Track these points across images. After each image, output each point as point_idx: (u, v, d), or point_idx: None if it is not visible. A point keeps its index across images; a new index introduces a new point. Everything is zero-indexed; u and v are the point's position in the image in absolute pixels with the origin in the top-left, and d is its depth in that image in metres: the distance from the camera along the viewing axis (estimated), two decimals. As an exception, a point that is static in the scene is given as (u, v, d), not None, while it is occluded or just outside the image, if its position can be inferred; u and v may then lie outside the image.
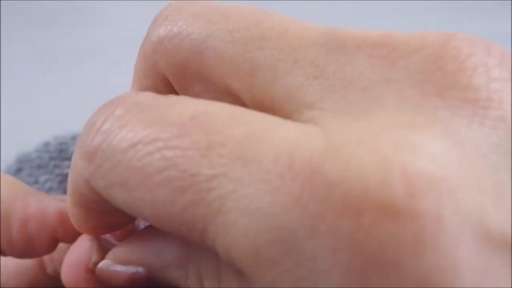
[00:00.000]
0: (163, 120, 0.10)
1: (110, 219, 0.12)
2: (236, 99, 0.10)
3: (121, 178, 0.10)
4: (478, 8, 0.60)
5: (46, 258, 0.16)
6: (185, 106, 0.10)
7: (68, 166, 0.26)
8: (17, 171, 0.27)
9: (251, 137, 0.09)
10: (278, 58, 0.10)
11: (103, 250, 0.13)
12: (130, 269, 0.12)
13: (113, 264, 0.13)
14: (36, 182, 0.26)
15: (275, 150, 0.08)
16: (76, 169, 0.11)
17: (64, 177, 0.26)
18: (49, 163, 0.26)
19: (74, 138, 0.26)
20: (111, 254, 0.13)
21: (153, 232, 0.12)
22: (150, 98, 0.10)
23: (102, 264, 0.13)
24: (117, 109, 0.10)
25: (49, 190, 0.26)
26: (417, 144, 0.08)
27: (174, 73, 0.11)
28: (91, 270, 0.13)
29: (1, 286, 0.18)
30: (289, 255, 0.08)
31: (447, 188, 0.08)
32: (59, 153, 0.26)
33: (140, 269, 0.12)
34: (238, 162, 0.08)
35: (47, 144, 0.27)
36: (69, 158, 0.26)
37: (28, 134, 0.28)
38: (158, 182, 0.09)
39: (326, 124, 0.09)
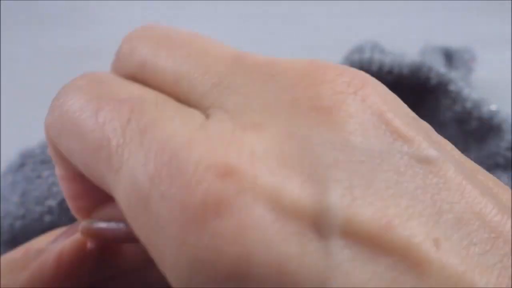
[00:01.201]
0: (109, 93, 0.13)
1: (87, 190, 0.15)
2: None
3: (66, 129, 0.13)
4: (478, 8, 0.60)
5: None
6: (128, 88, 0.13)
7: None
8: (20, 166, 0.27)
9: (155, 121, 0.11)
10: (194, 71, 0.13)
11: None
12: (112, 225, 0.15)
13: (96, 222, 0.16)
14: (39, 176, 0.27)
15: (159, 136, 0.11)
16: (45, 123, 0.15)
17: None
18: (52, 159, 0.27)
19: None
20: (96, 214, 0.16)
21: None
22: (109, 77, 0.15)
23: (85, 222, 0.16)
24: (81, 80, 0.15)
25: (51, 185, 0.26)
26: (245, 141, 0.10)
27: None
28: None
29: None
30: (145, 210, 0.10)
31: (251, 174, 0.10)
32: None
33: (121, 225, 0.15)
34: (138, 140, 0.11)
35: None
36: None
37: (28, 134, 0.27)
38: (88, 138, 0.12)
39: (211, 119, 0.12)
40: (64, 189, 0.16)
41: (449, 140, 0.32)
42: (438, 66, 0.29)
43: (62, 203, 0.25)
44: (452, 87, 0.28)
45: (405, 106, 0.12)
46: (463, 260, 0.10)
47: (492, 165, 0.28)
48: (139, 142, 0.11)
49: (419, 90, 0.30)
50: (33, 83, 0.49)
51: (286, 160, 0.10)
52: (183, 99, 0.13)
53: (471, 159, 0.31)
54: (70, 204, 0.16)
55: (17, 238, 0.26)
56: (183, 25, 0.56)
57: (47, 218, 0.25)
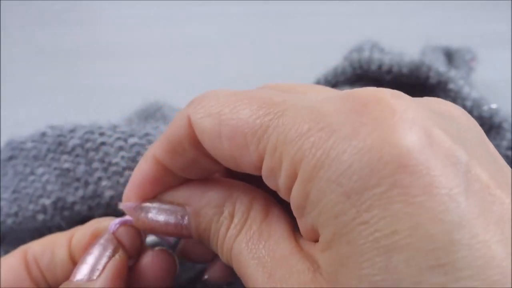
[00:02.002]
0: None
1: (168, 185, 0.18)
2: None
3: (213, 108, 0.16)
4: (478, 8, 0.60)
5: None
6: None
7: (67, 161, 0.25)
8: (9, 158, 0.26)
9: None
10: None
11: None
12: (173, 208, 0.17)
13: (156, 203, 0.18)
14: (32, 173, 0.25)
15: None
16: (181, 112, 0.17)
17: (63, 171, 0.25)
18: (46, 155, 0.25)
19: (73, 131, 0.25)
20: (158, 197, 0.18)
21: (195, 182, 0.17)
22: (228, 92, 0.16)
23: (145, 204, 0.18)
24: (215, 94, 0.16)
25: (46, 184, 0.25)
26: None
27: None
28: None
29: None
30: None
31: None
32: (57, 146, 0.25)
33: (179, 209, 0.17)
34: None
35: (43, 135, 0.26)
36: (68, 153, 0.25)
37: (28, 134, 0.27)
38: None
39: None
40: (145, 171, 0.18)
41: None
42: (439, 65, 0.29)
43: (56, 203, 0.25)
44: (451, 86, 0.28)
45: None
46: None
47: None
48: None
49: (419, 89, 0.30)
50: (33, 83, 0.49)
51: (432, 119, 0.13)
52: None
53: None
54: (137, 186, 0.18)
55: (6, 235, 0.26)
56: (183, 25, 0.57)
57: (40, 217, 0.25)
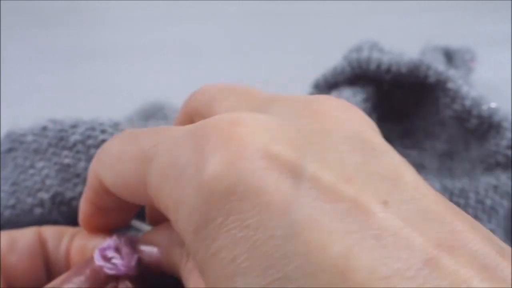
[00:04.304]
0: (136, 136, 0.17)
1: (110, 218, 0.20)
2: None
3: (107, 163, 0.17)
4: (478, 8, 0.60)
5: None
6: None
7: (68, 156, 0.25)
8: (9, 150, 0.26)
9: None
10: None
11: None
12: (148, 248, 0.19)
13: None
14: (32, 166, 0.25)
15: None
16: (91, 167, 0.19)
17: (63, 166, 0.25)
18: (47, 150, 0.25)
19: (74, 126, 0.26)
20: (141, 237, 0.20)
21: (166, 224, 0.19)
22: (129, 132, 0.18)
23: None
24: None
25: (45, 178, 0.25)
26: (263, 117, 0.15)
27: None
28: None
29: None
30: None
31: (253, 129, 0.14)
32: (58, 141, 0.25)
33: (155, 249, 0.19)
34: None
35: (44, 129, 0.26)
36: (69, 148, 0.25)
37: (28, 127, 0.27)
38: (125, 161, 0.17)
39: None
40: (85, 208, 0.20)
41: (449, 138, 0.32)
42: (438, 64, 0.29)
43: (55, 197, 0.25)
44: (450, 85, 0.28)
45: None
46: (405, 221, 0.12)
47: (492, 164, 0.27)
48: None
49: (418, 88, 0.30)
50: (33, 83, 0.49)
51: (277, 133, 0.14)
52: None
53: (472, 157, 0.31)
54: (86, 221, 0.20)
55: (4, 228, 0.26)
56: (183, 25, 0.57)
57: (38, 211, 0.25)
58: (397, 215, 0.12)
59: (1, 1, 0.60)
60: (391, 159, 0.14)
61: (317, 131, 0.14)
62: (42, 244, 0.21)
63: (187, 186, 0.13)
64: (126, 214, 0.21)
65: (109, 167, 0.17)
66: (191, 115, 0.19)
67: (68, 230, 0.22)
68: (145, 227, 0.24)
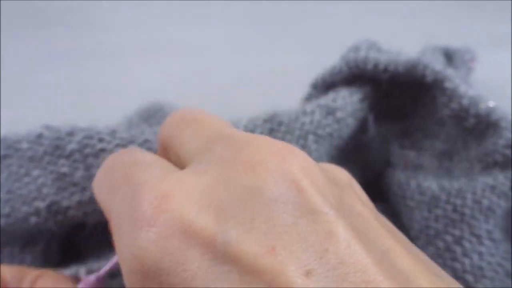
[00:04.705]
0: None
1: None
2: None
3: (96, 188, 0.18)
4: (478, 8, 0.60)
5: None
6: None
7: (64, 165, 0.25)
8: (3, 157, 0.25)
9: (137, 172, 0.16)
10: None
11: None
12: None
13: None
14: (27, 174, 0.25)
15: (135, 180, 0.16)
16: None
17: (60, 175, 0.25)
18: (43, 158, 0.25)
19: (71, 134, 0.25)
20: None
21: None
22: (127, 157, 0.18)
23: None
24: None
25: (41, 186, 0.25)
26: (186, 180, 0.15)
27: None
28: None
29: None
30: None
31: (176, 202, 0.14)
32: (54, 149, 0.25)
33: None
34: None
35: (40, 136, 0.25)
36: (66, 157, 0.25)
37: (23, 134, 0.27)
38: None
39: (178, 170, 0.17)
40: None
41: (448, 137, 0.32)
42: (435, 64, 0.29)
43: (50, 206, 0.24)
44: (448, 84, 0.28)
45: (321, 175, 0.15)
46: None
47: (490, 163, 0.27)
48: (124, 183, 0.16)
49: (416, 88, 0.30)
50: (33, 83, 0.49)
51: (205, 200, 0.14)
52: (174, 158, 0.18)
53: (471, 157, 0.31)
54: None
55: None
56: (183, 26, 0.56)
57: (33, 220, 0.24)
58: (320, 286, 0.12)
59: (1, 1, 0.60)
60: (324, 216, 0.13)
61: (248, 188, 0.14)
62: (1, 284, 0.21)
63: (125, 248, 0.14)
64: None
65: (95, 190, 0.18)
66: (163, 146, 0.20)
67: (31, 272, 0.21)
68: None
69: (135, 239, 0.13)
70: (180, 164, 0.17)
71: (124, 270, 0.14)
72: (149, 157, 0.18)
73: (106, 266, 0.21)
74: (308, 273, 0.12)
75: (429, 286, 0.12)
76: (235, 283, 0.12)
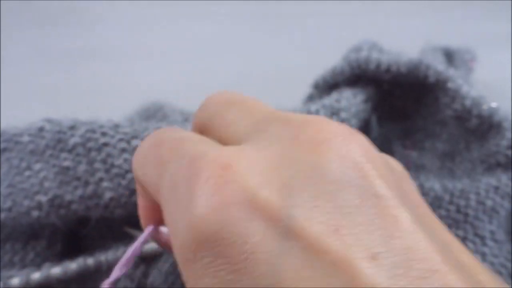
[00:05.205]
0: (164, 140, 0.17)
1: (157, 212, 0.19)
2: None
3: (137, 161, 0.18)
4: (478, 8, 0.60)
5: None
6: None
7: (67, 159, 0.25)
8: (2, 150, 0.25)
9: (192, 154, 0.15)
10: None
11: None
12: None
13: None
14: (28, 168, 0.25)
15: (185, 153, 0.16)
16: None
17: (62, 169, 0.24)
18: (44, 151, 0.25)
19: (73, 128, 0.25)
20: None
21: None
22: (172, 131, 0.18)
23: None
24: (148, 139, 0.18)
25: (43, 180, 0.24)
26: (247, 154, 0.15)
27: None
28: None
29: None
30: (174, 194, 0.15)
31: (240, 172, 0.14)
32: (56, 143, 0.25)
33: None
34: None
35: (41, 129, 0.25)
36: (68, 151, 0.25)
37: (23, 127, 0.27)
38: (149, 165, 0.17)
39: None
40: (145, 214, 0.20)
41: (450, 138, 0.32)
42: (437, 64, 0.29)
43: (53, 200, 0.24)
44: (450, 85, 0.28)
45: (381, 160, 0.15)
46: (393, 278, 0.11)
47: (493, 164, 0.27)
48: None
49: (418, 88, 0.30)
50: (33, 83, 0.49)
51: (267, 174, 0.14)
52: (220, 136, 0.18)
53: (473, 157, 0.31)
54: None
55: (1, 230, 0.25)
56: (183, 26, 0.56)
57: (35, 214, 0.24)
58: (386, 271, 0.11)
59: (1, 1, 0.60)
60: (389, 201, 0.13)
61: (311, 166, 0.13)
62: None
63: (180, 219, 0.14)
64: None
65: (138, 166, 0.18)
66: (200, 128, 0.19)
67: None
68: (138, 233, 0.24)
69: (194, 208, 0.13)
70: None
71: (177, 242, 0.14)
72: (195, 135, 0.17)
73: (122, 259, 0.21)
74: (373, 257, 0.12)
75: (488, 283, 0.12)
76: (298, 260, 0.12)
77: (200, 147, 0.15)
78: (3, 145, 0.25)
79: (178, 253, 0.14)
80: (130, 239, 0.25)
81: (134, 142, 0.25)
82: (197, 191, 0.13)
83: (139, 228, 0.24)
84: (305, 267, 0.12)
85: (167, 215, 0.15)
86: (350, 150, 0.14)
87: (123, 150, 0.25)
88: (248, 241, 0.12)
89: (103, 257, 0.24)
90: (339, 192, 0.13)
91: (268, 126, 0.16)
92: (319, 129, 0.15)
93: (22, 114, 0.44)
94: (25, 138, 0.25)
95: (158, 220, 0.20)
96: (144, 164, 0.17)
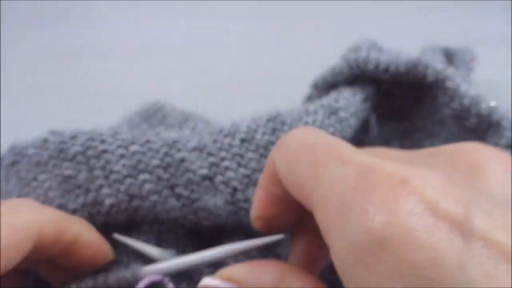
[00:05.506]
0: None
1: (278, 212, 0.21)
2: None
3: (284, 156, 0.19)
4: (478, 8, 0.60)
5: None
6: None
7: (69, 168, 0.25)
8: (12, 164, 0.26)
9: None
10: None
11: None
12: (228, 285, 0.19)
13: (217, 279, 0.20)
14: (35, 179, 0.25)
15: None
16: (271, 153, 0.20)
17: (65, 178, 0.25)
18: (48, 162, 0.25)
19: (74, 137, 0.25)
20: (220, 272, 0.20)
21: (254, 262, 0.20)
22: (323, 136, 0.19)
23: (207, 279, 0.20)
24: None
25: (48, 190, 0.25)
26: (425, 173, 0.15)
27: None
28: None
29: None
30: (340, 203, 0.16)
31: (420, 185, 0.15)
32: (58, 153, 0.25)
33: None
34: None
35: (45, 141, 0.26)
36: (69, 160, 0.25)
37: (28, 134, 0.27)
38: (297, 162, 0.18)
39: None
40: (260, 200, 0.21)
41: (449, 137, 0.32)
42: (436, 63, 0.29)
43: (58, 209, 0.24)
44: (449, 84, 0.28)
45: None
46: None
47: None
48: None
49: (417, 88, 0.30)
50: (33, 83, 0.49)
51: (443, 189, 0.14)
52: None
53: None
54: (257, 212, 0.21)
55: None
56: (184, 26, 0.56)
57: None
58: None
59: (1, 1, 0.60)
60: None
61: (478, 188, 0.15)
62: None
63: (353, 225, 0.14)
64: (290, 215, 0.22)
65: (285, 160, 0.19)
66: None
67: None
68: (128, 241, 0.25)
69: (374, 216, 0.14)
70: None
71: (347, 245, 0.14)
72: (344, 142, 0.18)
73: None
74: None
75: None
76: (486, 265, 0.13)
77: (366, 158, 0.16)
78: (12, 159, 0.26)
79: (352, 255, 0.14)
80: (126, 247, 0.25)
81: (132, 148, 0.25)
82: (377, 202, 0.14)
83: (129, 234, 0.24)
84: (497, 273, 0.13)
85: (324, 216, 0.16)
86: (508, 173, 0.16)
87: (122, 156, 0.25)
88: (433, 248, 0.13)
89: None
90: (508, 208, 0.14)
91: (422, 160, 0.17)
92: (478, 156, 0.16)
93: (22, 114, 0.45)
94: (31, 151, 0.26)
95: (273, 215, 0.21)
96: (294, 162, 0.18)
